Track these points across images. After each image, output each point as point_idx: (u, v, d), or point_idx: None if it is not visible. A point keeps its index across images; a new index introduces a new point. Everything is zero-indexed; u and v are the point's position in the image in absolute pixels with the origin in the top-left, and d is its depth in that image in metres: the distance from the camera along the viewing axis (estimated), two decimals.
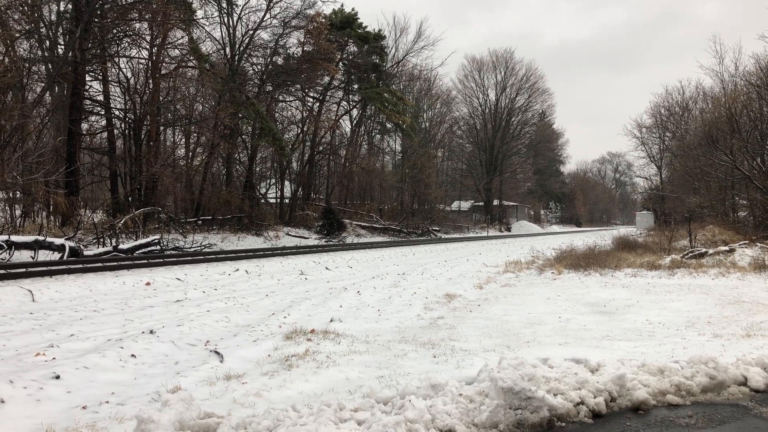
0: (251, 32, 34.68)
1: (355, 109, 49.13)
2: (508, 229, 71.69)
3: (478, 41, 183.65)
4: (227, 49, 34.97)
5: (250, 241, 29.62)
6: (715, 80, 46.22)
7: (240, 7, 34.52)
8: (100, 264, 15.79)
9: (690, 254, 18.03)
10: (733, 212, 30.79)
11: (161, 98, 30.18)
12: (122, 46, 29.14)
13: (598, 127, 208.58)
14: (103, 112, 29.86)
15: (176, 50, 31.09)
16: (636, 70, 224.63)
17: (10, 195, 22.72)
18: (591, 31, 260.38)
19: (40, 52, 27.31)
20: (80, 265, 15.12)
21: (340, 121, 47.75)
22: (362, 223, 42.76)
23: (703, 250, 18.64)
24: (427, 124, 63.37)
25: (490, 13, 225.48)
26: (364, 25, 44.52)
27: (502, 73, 75.19)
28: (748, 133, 26.57)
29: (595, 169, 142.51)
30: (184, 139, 35.49)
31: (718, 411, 4.76)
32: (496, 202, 75.53)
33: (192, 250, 22.72)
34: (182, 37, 31.36)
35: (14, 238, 16.71)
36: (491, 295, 12.12)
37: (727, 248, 18.76)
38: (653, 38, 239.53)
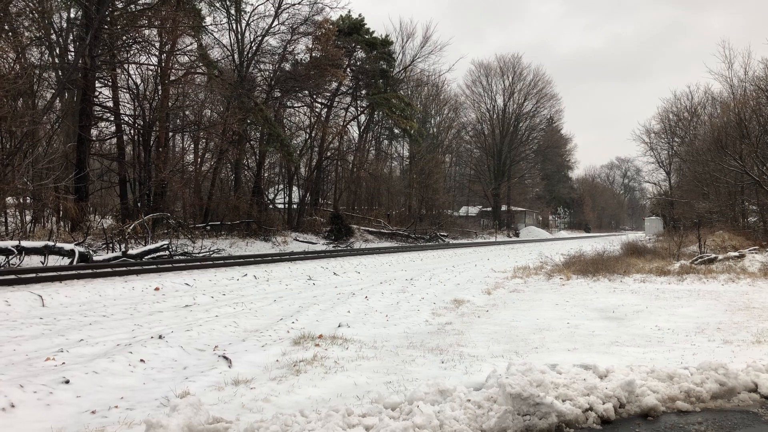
0: (259, 38, 34.89)
1: (362, 115, 49.23)
2: (517, 235, 71.52)
3: (491, 53, 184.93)
4: (236, 56, 35.18)
5: (259, 247, 29.68)
6: (724, 85, 46.14)
7: (248, 14, 34.78)
8: (109, 269, 15.86)
9: (699, 260, 17.93)
10: (742, 217, 30.62)
11: (170, 104, 30.33)
12: (132, 52, 29.37)
13: (607, 134, 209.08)
14: (112, 119, 30.06)
15: (185, 57, 31.29)
16: (644, 80, 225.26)
17: (21, 201, 22.88)
18: (600, 43, 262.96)
19: (50, 59, 27.55)
20: (90, 271, 15.20)
21: (348, 126, 47.89)
22: (370, 229, 42.77)
23: (713, 255, 18.54)
24: (435, 130, 63.39)
25: (504, 28, 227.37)
26: (371, 30, 44.63)
27: (510, 78, 75.22)
28: (757, 138, 26.44)
29: (603, 174, 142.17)
30: (192, 145, 35.65)
31: (728, 418, 4.74)
32: (504, 208, 75.39)
33: (201, 255, 22.79)
34: (191, 43, 31.58)
35: (24, 243, 16.80)
36: (499, 301, 12.09)
37: (736, 254, 18.65)
38: (661, 49, 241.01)
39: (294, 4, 35.09)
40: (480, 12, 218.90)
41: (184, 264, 18.45)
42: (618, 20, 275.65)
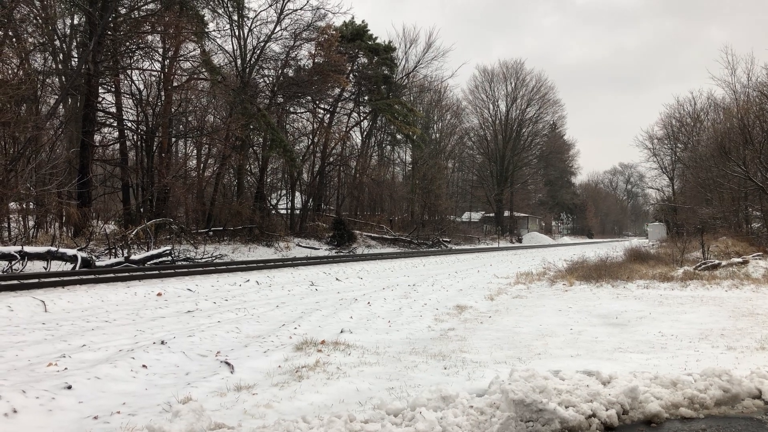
0: (262, 44, 34.98)
1: (365, 121, 49.31)
2: (519, 241, 71.46)
3: (495, 62, 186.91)
4: (238, 62, 35.25)
5: (261, 252, 29.68)
6: (727, 91, 46.03)
7: (251, 20, 34.87)
8: (111, 275, 15.87)
9: (703, 266, 17.88)
10: (746, 223, 30.53)
11: (173, 110, 30.39)
12: (135, 58, 29.46)
13: (610, 142, 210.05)
14: (115, 124, 30.13)
15: (188, 62, 31.39)
16: (647, 90, 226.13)
17: (24, 206, 22.93)
18: (603, 53, 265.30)
19: (54, 65, 27.63)
20: (92, 276, 15.21)
21: (351, 132, 47.96)
22: (372, 234, 42.78)
23: (716, 261, 18.48)
24: (438, 135, 63.46)
25: (508, 41, 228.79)
26: (374, 36, 44.77)
27: (513, 84, 75.33)
28: (761, 143, 26.38)
29: (606, 180, 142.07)
30: (195, 151, 35.70)
31: (732, 424, 4.71)
32: (506, 213, 75.34)
33: (203, 260, 22.79)
34: (194, 49, 31.67)
35: (27, 248, 16.83)
36: (502, 307, 12.07)
37: (740, 260, 18.59)
38: (664, 60, 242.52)
39: (296, 10, 35.24)
40: (484, 25, 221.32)
41: (186, 269, 18.46)
42: (620, 32, 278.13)
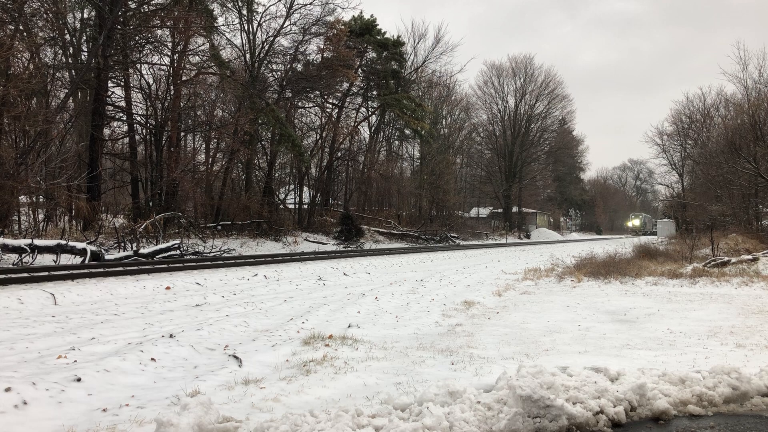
0: (271, 39, 35.00)
1: (373, 116, 49.27)
2: (527, 236, 71.26)
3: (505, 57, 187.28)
4: (247, 56, 35.29)
5: (269, 247, 29.75)
6: (738, 87, 45.59)
7: (260, 14, 34.91)
8: (121, 268, 15.94)
9: (712, 263, 17.79)
10: (756, 220, 30.35)
11: (182, 104, 30.45)
12: (144, 52, 29.55)
13: (620, 139, 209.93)
14: (124, 118, 30.24)
15: (197, 57, 31.42)
16: (656, 93, 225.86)
17: (34, 199, 23.06)
18: (615, 57, 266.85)
19: (63, 59, 27.76)
20: (101, 269, 15.28)
21: (359, 127, 47.93)
22: (380, 229, 42.76)
23: (726, 258, 18.38)
24: (446, 131, 63.28)
25: (523, 46, 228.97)
26: (383, 31, 44.67)
27: (522, 79, 74.91)
28: None
29: (615, 176, 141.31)
30: (204, 145, 35.78)
31: (741, 422, 4.69)
32: (515, 209, 75.11)
33: (211, 254, 22.86)
34: (203, 43, 31.72)
35: (37, 242, 16.94)
36: (510, 303, 12.05)
37: (750, 257, 18.48)
38: (673, 65, 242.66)
39: (305, 5, 35.25)
40: (496, 36, 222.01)
41: (195, 263, 18.53)
42: (630, 39, 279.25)
